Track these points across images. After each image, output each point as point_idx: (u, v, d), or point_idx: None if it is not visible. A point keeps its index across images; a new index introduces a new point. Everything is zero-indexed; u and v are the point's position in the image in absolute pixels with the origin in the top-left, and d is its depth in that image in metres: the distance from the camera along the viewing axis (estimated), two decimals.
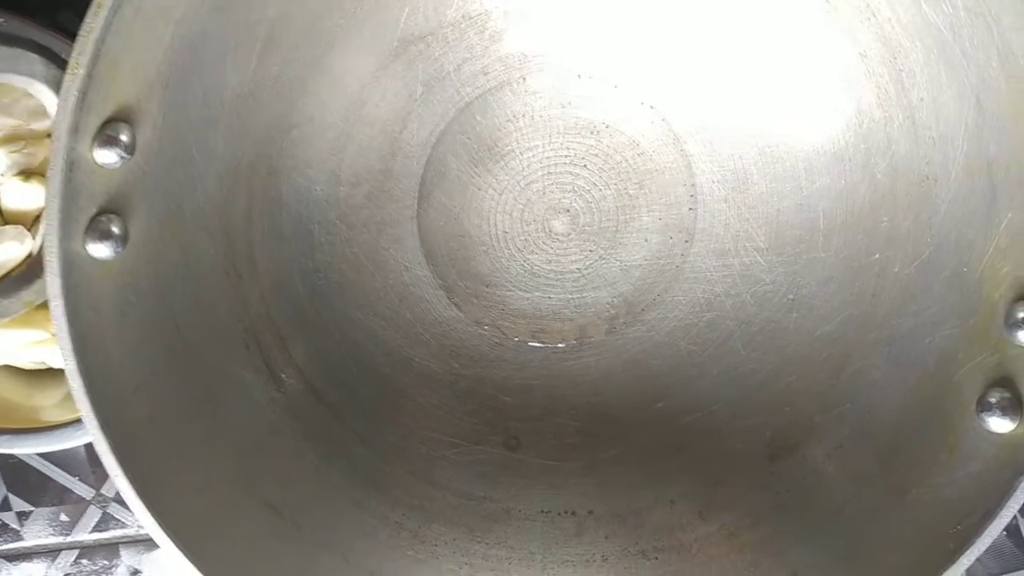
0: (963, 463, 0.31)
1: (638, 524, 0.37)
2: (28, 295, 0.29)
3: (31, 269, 0.29)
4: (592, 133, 0.38)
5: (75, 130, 0.27)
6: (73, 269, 0.28)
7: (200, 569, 0.29)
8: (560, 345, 0.40)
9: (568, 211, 0.39)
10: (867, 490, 0.34)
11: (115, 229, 0.29)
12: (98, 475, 0.48)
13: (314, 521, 0.35)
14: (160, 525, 0.29)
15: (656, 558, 0.36)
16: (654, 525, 0.37)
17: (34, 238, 0.40)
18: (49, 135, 0.40)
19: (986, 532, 0.29)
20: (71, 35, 0.36)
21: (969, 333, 0.32)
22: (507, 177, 0.39)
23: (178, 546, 0.29)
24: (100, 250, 0.29)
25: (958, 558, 0.29)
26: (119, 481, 0.29)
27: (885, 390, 0.35)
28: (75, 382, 0.28)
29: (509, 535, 0.37)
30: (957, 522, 0.30)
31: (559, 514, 0.38)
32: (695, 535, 0.37)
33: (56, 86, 0.28)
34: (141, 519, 0.29)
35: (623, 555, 0.37)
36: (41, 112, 0.39)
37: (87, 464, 0.47)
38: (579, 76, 0.38)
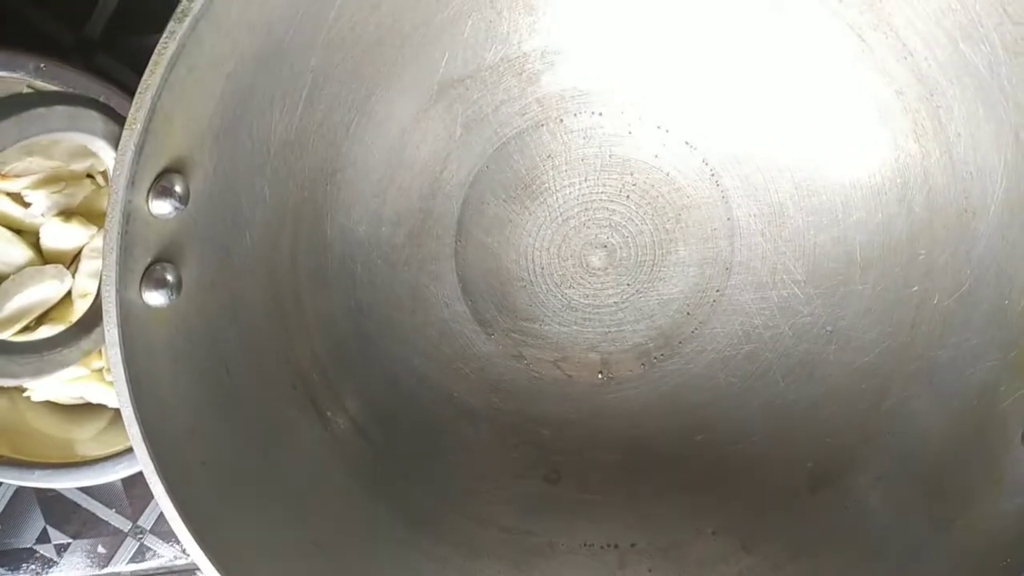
0: (1009, 495, 0.31)
1: (681, 556, 0.37)
2: (87, 344, 0.29)
3: (88, 318, 0.30)
4: (628, 170, 0.39)
5: (132, 183, 0.27)
6: (130, 317, 0.28)
7: None
8: (599, 378, 0.41)
9: (605, 246, 0.40)
10: (911, 521, 0.34)
11: (169, 277, 0.29)
12: (135, 507, 0.48)
13: (361, 558, 0.35)
14: (214, 564, 0.29)
15: None
16: (697, 557, 0.37)
17: (72, 277, 0.40)
18: (89, 175, 0.41)
19: None
20: (109, 78, 0.36)
21: (1011, 365, 0.32)
22: (544, 214, 0.39)
23: None
24: (155, 298, 0.29)
25: None
26: (176, 524, 0.29)
27: (926, 421, 0.35)
28: (132, 428, 0.28)
29: (553, 569, 0.37)
30: (1005, 555, 0.30)
31: (602, 547, 0.38)
32: (738, 567, 0.37)
33: (114, 141, 0.28)
34: (196, 559, 0.29)
35: None
36: (80, 153, 0.40)
37: (124, 496, 0.48)
38: (615, 115, 0.38)
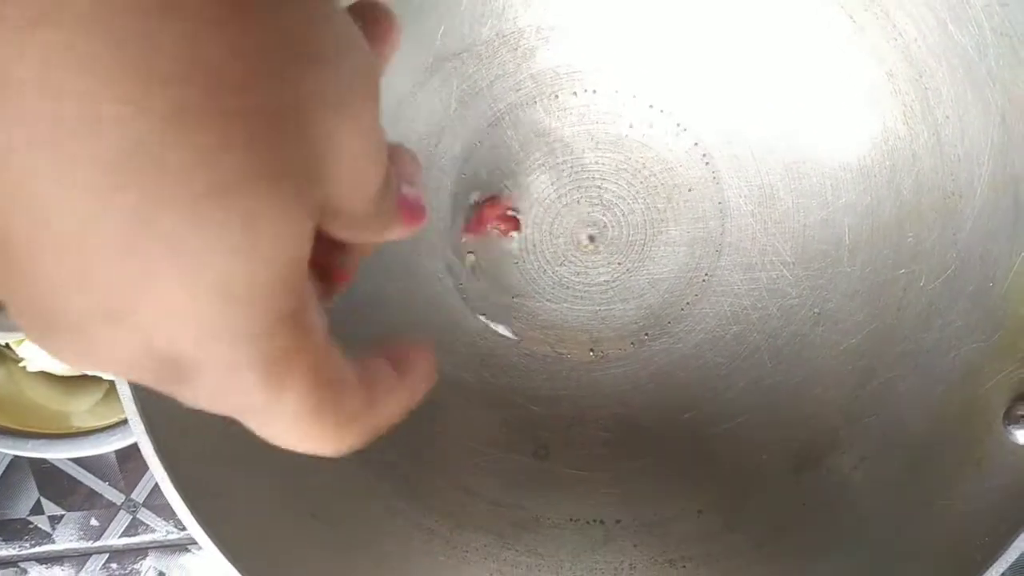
0: (990, 476, 0.32)
1: (665, 533, 0.38)
2: None
3: None
4: (621, 149, 0.39)
5: None
6: None
7: (240, 571, 0.30)
8: (589, 356, 0.41)
9: (597, 225, 0.40)
10: (893, 501, 0.35)
11: None
12: (128, 480, 0.48)
13: (350, 526, 0.35)
14: (207, 533, 0.30)
15: (683, 567, 0.37)
16: (681, 534, 0.38)
17: None
18: None
19: (1014, 544, 0.29)
20: None
21: (995, 347, 0.33)
22: (537, 191, 0.40)
23: (220, 549, 0.30)
24: None
25: (985, 570, 0.30)
26: (169, 492, 0.29)
27: (911, 402, 0.36)
28: (123, 387, 0.29)
29: (539, 542, 0.38)
30: (984, 534, 0.30)
31: (588, 523, 0.38)
32: (722, 545, 0.37)
33: None
34: (189, 528, 0.30)
35: (651, 564, 0.37)
36: None
37: (117, 470, 0.48)
38: (609, 93, 0.38)
